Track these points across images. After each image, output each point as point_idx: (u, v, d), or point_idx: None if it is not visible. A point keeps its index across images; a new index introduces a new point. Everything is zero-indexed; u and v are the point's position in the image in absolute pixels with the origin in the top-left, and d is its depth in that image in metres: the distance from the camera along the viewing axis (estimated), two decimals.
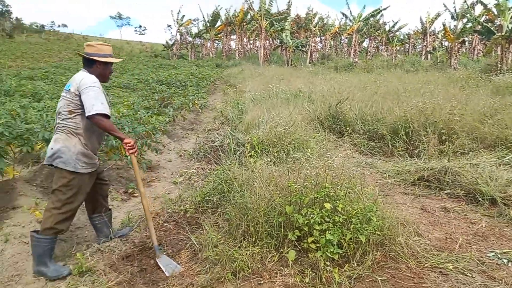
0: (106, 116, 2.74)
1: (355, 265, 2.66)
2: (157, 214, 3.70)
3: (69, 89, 2.78)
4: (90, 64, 2.90)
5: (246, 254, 2.76)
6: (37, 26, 60.00)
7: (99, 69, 2.91)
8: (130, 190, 4.55)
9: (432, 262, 2.74)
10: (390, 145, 5.74)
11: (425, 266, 2.71)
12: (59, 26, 68.27)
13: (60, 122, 2.82)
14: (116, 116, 5.22)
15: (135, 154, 2.92)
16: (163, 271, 2.77)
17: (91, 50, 2.89)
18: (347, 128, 6.35)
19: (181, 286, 2.60)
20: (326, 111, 7.03)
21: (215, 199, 3.59)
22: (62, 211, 2.78)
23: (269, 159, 3.71)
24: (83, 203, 3.11)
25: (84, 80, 2.77)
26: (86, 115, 2.69)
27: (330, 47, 42.86)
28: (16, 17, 57.59)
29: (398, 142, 5.64)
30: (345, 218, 2.78)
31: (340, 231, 2.70)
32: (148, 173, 5.29)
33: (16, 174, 4.34)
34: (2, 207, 3.92)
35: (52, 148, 2.80)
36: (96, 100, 2.69)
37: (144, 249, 3.09)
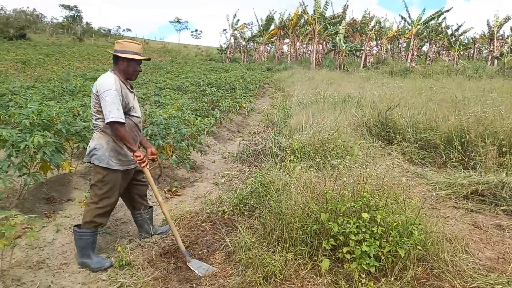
0: (122, 124, 2.76)
1: (393, 279, 2.52)
2: (196, 213, 3.79)
3: (93, 91, 2.87)
4: (115, 60, 2.93)
5: (279, 259, 2.73)
6: (104, 30, 64.51)
7: (123, 65, 2.91)
8: (174, 189, 4.71)
9: (480, 283, 2.52)
10: (443, 155, 5.39)
11: (471, 286, 2.50)
12: (124, 30, 72.85)
13: (94, 122, 2.94)
14: (164, 116, 5.43)
15: (147, 167, 2.92)
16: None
17: (117, 47, 2.93)
18: (397, 136, 6.06)
19: (213, 286, 2.64)
20: (375, 118, 6.77)
21: (252, 202, 3.61)
22: (99, 206, 2.90)
23: (307, 165, 3.65)
24: (123, 199, 3.26)
25: (102, 83, 2.80)
26: (106, 121, 2.74)
27: (386, 51, 41.34)
28: (86, 22, 62.52)
29: (452, 152, 5.28)
30: (384, 230, 2.65)
31: (377, 243, 2.57)
32: (192, 173, 5.44)
33: (72, 169, 4.67)
34: (58, 199, 4.25)
35: (89, 146, 2.94)
36: (112, 106, 2.71)
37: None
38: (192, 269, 2.86)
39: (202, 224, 3.54)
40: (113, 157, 2.89)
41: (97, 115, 2.87)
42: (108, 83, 2.78)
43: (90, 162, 2.95)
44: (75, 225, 2.97)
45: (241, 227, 3.15)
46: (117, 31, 68.78)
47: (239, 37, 44.56)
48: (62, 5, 60.23)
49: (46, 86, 10.68)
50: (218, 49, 47.91)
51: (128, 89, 2.96)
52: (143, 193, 3.33)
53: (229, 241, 3.08)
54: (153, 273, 2.80)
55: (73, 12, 60.66)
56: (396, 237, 2.58)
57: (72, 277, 2.79)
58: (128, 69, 2.93)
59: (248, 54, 44.00)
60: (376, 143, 5.86)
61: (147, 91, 10.29)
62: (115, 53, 2.90)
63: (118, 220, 3.86)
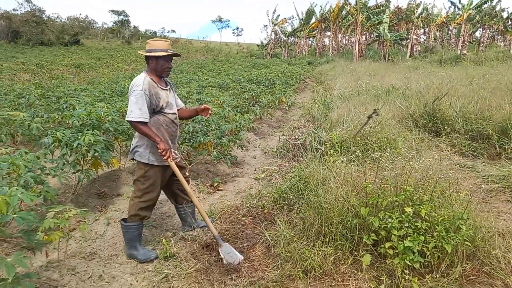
0: (141, 123, 2.84)
1: (439, 276, 2.41)
2: (237, 208, 3.85)
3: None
4: (147, 61, 3.02)
5: (319, 254, 2.72)
6: (150, 32, 67.11)
7: (152, 64, 2.99)
8: (216, 184, 4.82)
9: None
10: (496, 147, 5.04)
11: None
12: (168, 32, 75.45)
13: None
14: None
15: (170, 160, 2.97)
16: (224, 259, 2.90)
17: (146, 47, 3.02)
18: (445, 127, 5.75)
19: (252, 279, 2.67)
20: (421, 109, 6.46)
21: (291, 196, 3.60)
22: (142, 200, 3.03)
23: (347, 158, 3.58)
24: (166, 194, 3.40)
25: (133, 83, 2.92)
26: (126, 119, 2.89)
27: (434, 39, 39.14)
28: (134, 26, 65.45)
29: (507, 143, 4.92)
30: (429, 225, 2.54)
31: (422, 238, 2.47)
32: (233, 169, 5.53)
33: (121, 165, 4.93)
34: (109, 194, 4.51)
35: (132, 144, 3.10)
36: (134, 106, 2.82)
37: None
38: (221, 254, 2.94)
39: (243, 218, 3.59)
40: (153, 154, 2.99)
41: None
42: (136, 83, 2.88)
43: (133, 159, 3.09)
44: (122, 219, 3.13)
45: (280, 221, 3.16)
46: (162, 32, 71.38)
47: (280, 32, 44.31)
48: (112, 11, 63.69)
49: (97, 88, 11.32)
50: (258, 45, 48.04)
51: (161, 88, 3.02)
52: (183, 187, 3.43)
53: (268, 235, 3.10)
54: (195, 264, 2.89)
55: (122, 16, 63.79)
56: (442, 232, 2.46)
57: (121, 267, 2.95)
58: (157, 67, 2.99)
59: (289, 49, 43.66)
60: (422, 135, 5.60)
61: (190, 90, 10.57)
62: (144, 54, 2.99)
63: (163, 214, 4.02)
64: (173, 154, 3.13)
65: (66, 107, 6.83)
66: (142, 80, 2.89)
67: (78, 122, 4.42)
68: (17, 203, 1.92)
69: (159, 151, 2.90)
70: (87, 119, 4.53)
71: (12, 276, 1.72)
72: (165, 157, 2.92)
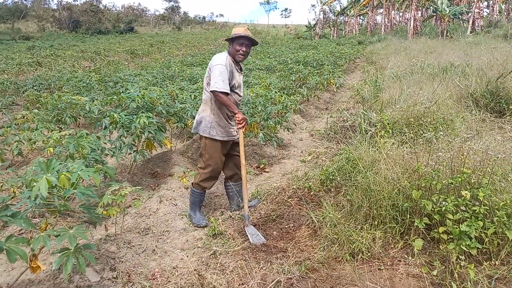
0: (224, 93, 3.05)
1: (498, 263, 2.27)
2: (283, 189, 3.86)
3: (208, 66, 3.23)
4: (229, 45, 3.27)
5: (367, 237, 2.66)
6: (199, 18, 68.27)
7: (230, 48, 3.23)
8: (262, 166, 4.86)
9: None
10: None
11: None
12: (217, 16, 76.32)
13: (203, 95, 3.33)
14: (252, 95, 5.58)
15: (243, 130, 3.18)
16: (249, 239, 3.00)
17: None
18: (510, 107, 5.28)
19: (298, 259, 2.69)
20: (482, 87, 5.97)
21: (338, 178, 3.53)
22: (206, 171, 3.31)
23: (399, 140, 3.42)
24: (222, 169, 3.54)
25: (215, 59, 3.17)
26: (209, 89, 3.10)
27: (499, 13, 35.67)
28: (184, 12, 66.85)
29: None
30: (488, 209, 2.38)
31: (480, 223, 2.32)
32: (279, 151, 5.53)
33: (172, 146, 5.13)
34: (161, 174, 4.73)
35: (195, 119, 3.35)
36: (218, 77, 3.04)
37: (268, 221, 3.29)
38: (247, 233, 3.04)
39: (288, 200, 3.60)
40: (214, 128, 3.22)
41: (206, 87, 3.24)
42: (219, 59, 3.13)
43: (197, 133, 3.35)
44: (192, 183, 3.46)
45: (326, 203, 3.12)
46: (210, 17, 72.20)
47: (328, 11, 42.92)
48: None
49: (150, 73, 11.77)
50: (306, 26, 46.95)
51: (236, 69, 3.24)
52: (238, 164, 3.50)
53: (315, 217, 3.08)
54: (242, 243, 2.96)
55: (172, 3, 65.32)
56: (503, 218, 2.29)
57: (173, 243, 3.10)
58: (233, 50, 3.20)
59: (338, 29, 42.19)
60: (483, 115, 5.19)
61: None
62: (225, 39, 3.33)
63: (212, 194, 4.14)
64: (235, 131, 3.34)
65: (122, 92, 7.19)
66: (224, 57, 3.14)
67: (135, 104, 4.64)
68: (80, 180, 2.07)
69: (237, 120, 3.11)
70: (141, 102, 4.74)
71: (74, 246, 1.87)
72: (241, 126, 3.12)
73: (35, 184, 1.84)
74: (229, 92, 3.10)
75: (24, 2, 57.76)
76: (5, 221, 1.76)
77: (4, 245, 1.67)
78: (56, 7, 52.53)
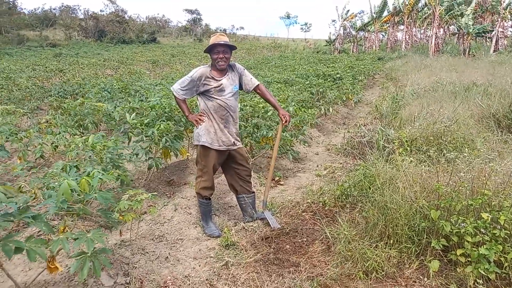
0: (175, 96, 3.34)
1: None
2: (297, 203, 3.85)
3: None
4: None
5: (381, 255, 2.62)
6: (220, 30, 69.38)
7: (211, 58, 3.31)
8: (277, 178, 4.85)
9: None
10: None
11: None
12: (237, 29, 77.54)
13: None
14: (270, 109, 5.60)
15: (197, 124, 3.32)
16: (268, 222, 3.35)
17: None
18: None
19: (310, 274, 2.66)
20: (505, 108, 5.85)
21: (354, 194, 3.50)
22: (203, 179, 3.35)
23: (417, 158, 3.37)
24: (228, 182, 3.59)
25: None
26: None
27: None
28: (205, 24, 68.24)
29: None
30: (509, 234, 2.31)
31: (500, 247, 2.25)
32: (295, 164, 5.52)
33: (189, 155, 5.18)
34: (177, 182, 4.77)
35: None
36: (177, 82, 3.33)
37: (281, 234, 3.27)
38: (267, 217, 3.38)
39: (303, 214, 3.58)
40: (204, 135, 3.28)
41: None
42: (191, 72, 3.30)
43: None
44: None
45: (341, 219, 3.09)
46: (231, 30, 73.34)
47: (349, 27, 42.91)
48: (186, 10, 67.11)
49: (171, 83, 11.99)
50: (326, 40, 47.02)
51: (213, 78, 3.25)
52: (243, 177, 3.50)
53: (329, 232, 3.05)
54: (255, 255, 2.95)
55: (194, 15, 66.86)
56: None
57: (186, 251, 3.12)
58: (212, 61, 3.28)
59: (358, 44, 42.10)
60: (505, 136, 5.07)
61: None
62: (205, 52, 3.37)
63: (226, 204, 4.15)
64: (231, 140, 3.34)
65: (142, 100, 7.34)
66: (195, 70, 3.28)
67: (155, 113, 4.73)
68: (98, 184, 2.12)
69: (190, 120, 3.38)
70: (161, 110, 4.83)
71: (91, 250, 1.91)
72: (197, 124, 3.30)
73: (58, 187, 1.89)
74: (178, 96, 3.30)
75: (53, 11, 60.32)
76: (28, 222, 1.81)
77: (25, 245, 1.72)
78: (83, 17, 54.48)
